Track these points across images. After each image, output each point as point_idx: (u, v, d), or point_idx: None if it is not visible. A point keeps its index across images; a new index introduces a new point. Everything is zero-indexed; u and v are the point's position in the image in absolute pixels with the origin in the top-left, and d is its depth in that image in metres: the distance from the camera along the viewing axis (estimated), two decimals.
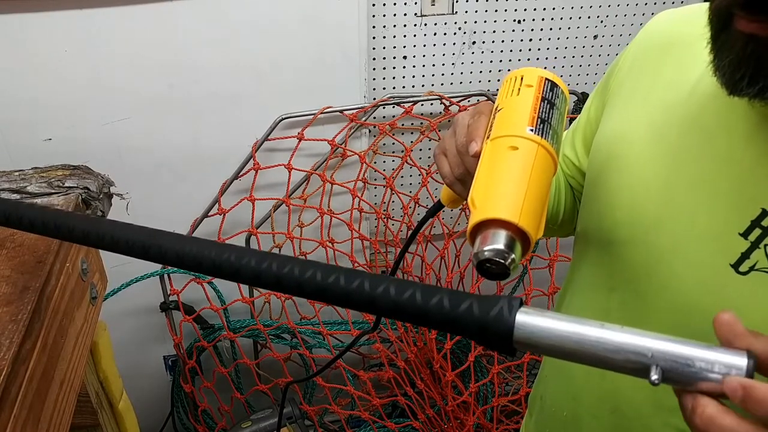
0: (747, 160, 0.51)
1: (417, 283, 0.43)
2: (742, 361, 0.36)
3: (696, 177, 0.55)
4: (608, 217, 0.62)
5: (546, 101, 0.54)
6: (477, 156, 0.54)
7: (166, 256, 0.50)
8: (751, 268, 0.51)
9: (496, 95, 0.59)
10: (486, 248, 0.46)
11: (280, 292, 0.46)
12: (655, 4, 1.59)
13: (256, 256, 0.46)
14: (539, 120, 0.52)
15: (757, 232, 0.50)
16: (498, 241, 0.46)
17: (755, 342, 0.37)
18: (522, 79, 0.56)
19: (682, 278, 0.55)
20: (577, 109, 1.61)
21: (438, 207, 0.69)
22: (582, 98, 1.62)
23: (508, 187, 0.48)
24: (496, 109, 0.56)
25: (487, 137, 0.54)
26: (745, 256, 0.51)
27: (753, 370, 0.36)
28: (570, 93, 1.62)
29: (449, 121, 1.58)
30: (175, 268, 1.46)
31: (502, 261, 0.45)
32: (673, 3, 1.61)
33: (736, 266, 0.51)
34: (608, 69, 0.70)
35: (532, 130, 0.51)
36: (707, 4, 0.48)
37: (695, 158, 0.55)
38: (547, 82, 0.56)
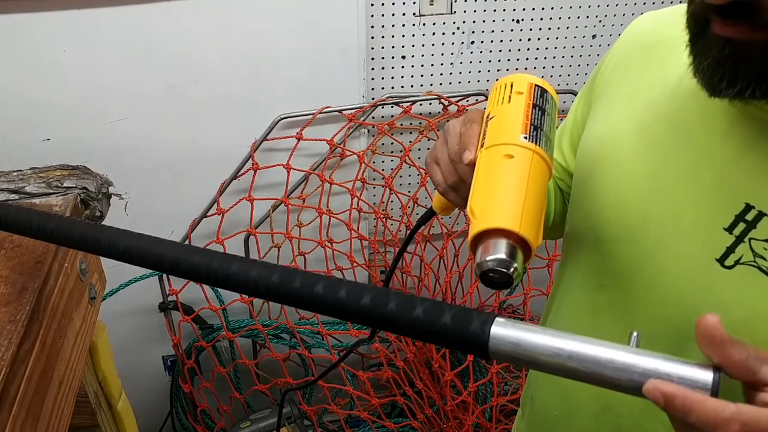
0: (727, 156, 0.52)
1: (398, 294, 0.43)
2: (707, 376, 0.37)
3: (679, 174, 0.55)
4: (596, 216, 0.62)
5: (537, 108, 0.54)
6: (471, 165, 0.54)
7: (163, 264, 0.51)
8: (737, 262, 0.51)
9: None
10: (489, 258, 0.46)
11: (264, 299, 0.47)
12: (653, 3, 1.59)
13: (241, 264, 0.47)
14: (532, 127, 0.53)
15: (741, 226, 0.51)
16: (500, 250, 0.46)
17: (732, 351, 0.38)
18: (512, 86, 0.57)
19: (669, 274, 0.56)
20: None
21: (430, 214, 0.69)
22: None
23: (506, 195, 0.49)
24: (487, 116, 0.56)
25: (481, 145, 0.54)
26: (730, 250, 0.52)
27: (718, 385, 0.37)
28: (569, 93, 1.62)
29: (447, 120, 1.58)
30: None
31: (505, 270, 0.46)
32: (671, 2, 1.61)
33: (721, 261, 0.52)
34: (593, 71, 0.71)
35: (525, 138, 0.52)
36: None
37: (678, 155, 0.56)
38: (537, 88, 0.56)
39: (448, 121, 1.58)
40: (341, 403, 1.61)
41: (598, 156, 0.63)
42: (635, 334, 0.40)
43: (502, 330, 0.40)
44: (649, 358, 0.38)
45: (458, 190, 0.60)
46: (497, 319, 0.41)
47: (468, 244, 0.49)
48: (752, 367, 0.38)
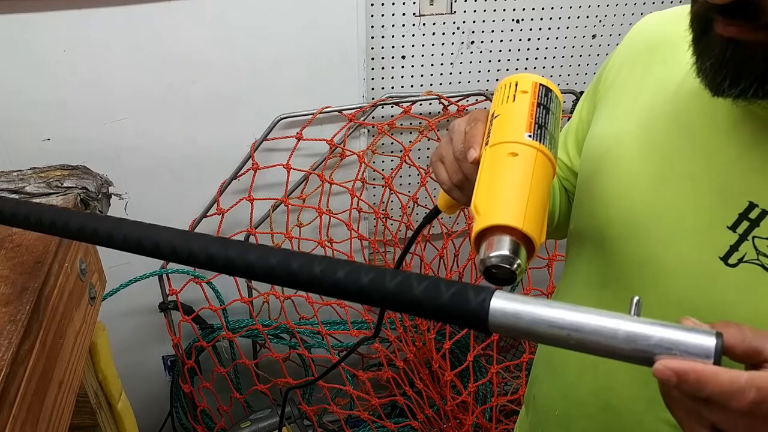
0: (731, 155, 0.52)
1: (396, 272, 0.44)
2: (710, 341, 0.37)
3: (683, 173, 0.56)
4: (600, 216, 0.62)
5: (542, 106, 0.55)
6: (476, 163, 0.55)
7: (161, 250, 0.51)
8: (740, 260, 0.51)
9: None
10: (492, 254, 0.46)
11: (263, 282, 0.47)
12: (653, 3, 1.59)
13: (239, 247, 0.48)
14: (537, 126, 0.53)
15: (745, 224, 0.51)
16: (503, 246, 0.46)
17: (728, 331, 0.39)
18: (516, 85, 0.57)
19: (673, 273, 0.56)
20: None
21: (435, 213, 0.69)
22: (580, 98, 1.63)
23: (510, 193, 0.49)
24: (492, 115, 0.57)
25: (486, 144, 0.54)
26: (733, 248, 0.52)
27: (721, 348, 0.37)
28: (569, 92, 1.62)
29: (448, 120, 1.58)
30: (174, 268, 1.46)
31: (509, 266, 0.46)
32: (671, 2, 1.61)
33: (725, 259, 0.52)
34: (598, 71, 0.71)
35: (530, 136, 0.52)
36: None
37: (681, 155, 0.56)
38: (541, 87, 0.56)
39: (448, 121, 1.58)
40: (341, 403, 1.61)
41: (602, 156, 0.63)
42: (636, 298, 0.40)
43: (501, 303, 0.40)
44: (651, 326, 0.38)
45: (463, 189, 0.60)
46: (497, 292, 0.41)
47: (471, 241, 0.49)
48: (756, 346, 0.39)
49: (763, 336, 0.39)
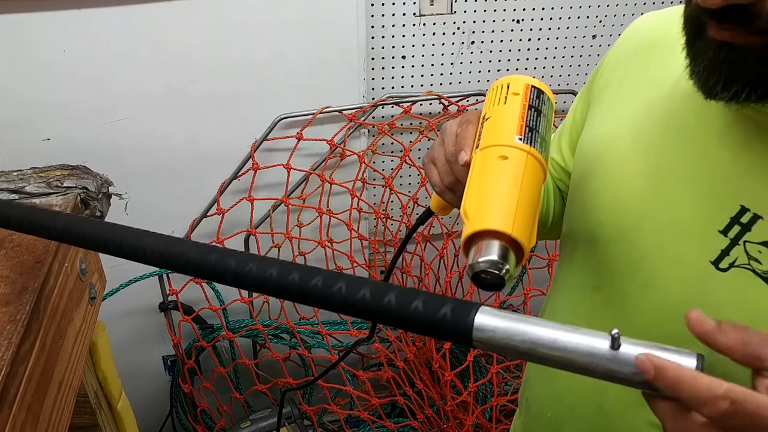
0: (724, 158, 0.52)
1: (370, 281, 0.44)
2: (690, 363, 0.38)
3: (676, 175, 0.55)
4: (593, 217, 0.62)
5: (533, 109, 0.54)
6: (466, 165, 0.54)
7: (151, 258, 0.51)
8: (731, 265, 0.51)
9: None
10: (481, 259, 0.46)
11: (255, 292, 0.48)
12: (653, 3, 1.59)
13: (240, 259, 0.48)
14: (527, 128, 0.53)
15: (736, 229, 0.51)
16: (492, 252, 0.46)
17: (719, 336, 0.39)
18: (508, 87, 0.56)
19: (664, 276, 0.56)
20: None
21: (428, 214, 0.69)
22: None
23: (500, 197, 0.48)
24: (483, 117, 0.56)
25: (476, 146, 0.54)
26: (725, 253, 0.51)
27: (701, 371, 0.37)
28: (569, 93, 1.62)
29: (447, 121, 1.58)
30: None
31: (497, 272, 0.45)
32: (671, 2, 1.61)
33: (716, 263, 0.52)
34: (593, 71, 0.71)
35: (521, 139, 0.52)
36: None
37: (675, 157, 0.56)
38: (533, 89, 0.56)
39: (447, 121, 1.58)
40: (341, 403, 1.61)
41: (595, 157, 0.63)
42: (615, 332, 0.39)
43: (486, 319, 0.40)
44: (634, 347, 0.38)
45: (455, 191, 0.60)
46: (482, 307, 0.41)
47: (461, 246, 0.49)
48: (759, 353, 0.38)
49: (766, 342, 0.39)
